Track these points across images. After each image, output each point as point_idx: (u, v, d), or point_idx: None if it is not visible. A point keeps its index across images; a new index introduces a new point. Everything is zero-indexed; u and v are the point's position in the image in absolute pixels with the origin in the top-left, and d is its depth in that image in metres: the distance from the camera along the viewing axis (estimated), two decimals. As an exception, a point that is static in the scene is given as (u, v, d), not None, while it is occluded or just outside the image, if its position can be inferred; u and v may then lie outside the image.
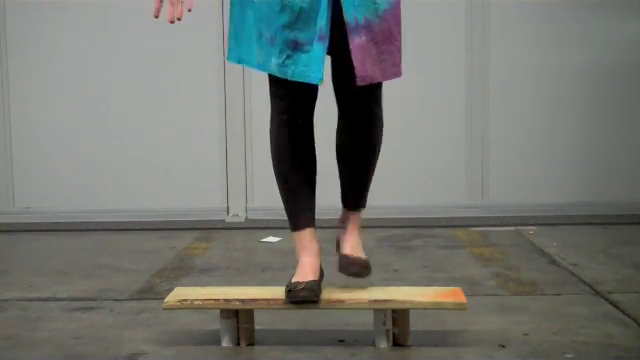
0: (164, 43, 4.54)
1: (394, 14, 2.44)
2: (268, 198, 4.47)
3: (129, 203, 4.64)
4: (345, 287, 2.64)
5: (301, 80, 2.38)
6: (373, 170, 2.64)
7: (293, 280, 2.45)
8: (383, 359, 2.36)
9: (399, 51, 2.48)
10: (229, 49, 2.54)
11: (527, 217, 4.53)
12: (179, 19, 2.31)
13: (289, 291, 2.42)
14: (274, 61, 2.41)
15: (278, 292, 2.48)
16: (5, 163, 4.69)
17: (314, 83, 2.38)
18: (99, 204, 4.65)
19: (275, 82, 2.48)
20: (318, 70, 2.36)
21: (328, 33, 2.36)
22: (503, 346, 2.42)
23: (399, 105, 4.51)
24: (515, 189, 4.60)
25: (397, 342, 2.42)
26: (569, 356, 2.33)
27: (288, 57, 2.39)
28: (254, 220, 4.61)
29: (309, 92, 2.46)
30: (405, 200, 4.57)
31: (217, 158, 4.64)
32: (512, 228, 4.41)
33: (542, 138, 4.60)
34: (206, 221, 4.60)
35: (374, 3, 2.38)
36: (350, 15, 2.35)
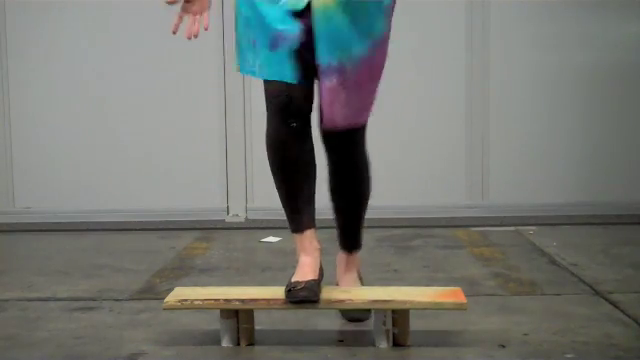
0: (164, 43, 4.52)
1: (372, 61, 2.46)
2: (268, 198, 4.44)
3: (129, 203, 4.64)
4: (345, 287, 2.65)
5: (275, 79, 2.42)
6: (361, 216, 2.72)
7: (293, 280, 2.46)
8: (383, 359, 2.36)
9: (370, 96, 2.51)
10: (236, 59, 2.55)
11: (527, 217, 4.53)
12: (195, 36, 2.44)
13: (289, 291, 2.43)
14: (257, 63, 2.44)
15: (278, 292, 2.48)
16: (5, 163, 4.69)
17: (285, 81, 2.40)
18: (99, 204, 4.65)
19: (267, 83, 2.48)
20: (287, 68, 2.40)
21: (296, 39, 2.39)
22: (503, 346, 2.42)
23: (399, 105, 4.51)
24: (515, 189, 4.60)
25: (397, 342, 2.42)
26: (569, 356, 2.33)
27: (265, 57, 2.42)
28: (254, 220, 4.61)
29: (301, 92, 2.44)
30: (405, 200, 4.57)
31: (217, 158, 4.64)
32: (512, 228, 4.41)
33: (542, 138, 4.60)
34: (206, 221, 4.60)
35: (349, 49, 2.40)
36: (324, 58, 2.39)
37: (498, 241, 4.07)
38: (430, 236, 4.23)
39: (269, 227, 4.39)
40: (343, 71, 2.41)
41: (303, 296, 2.40)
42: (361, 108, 2.50)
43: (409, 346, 2.41)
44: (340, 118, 2.45)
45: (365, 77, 2.46)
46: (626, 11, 4.58)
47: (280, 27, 2.40)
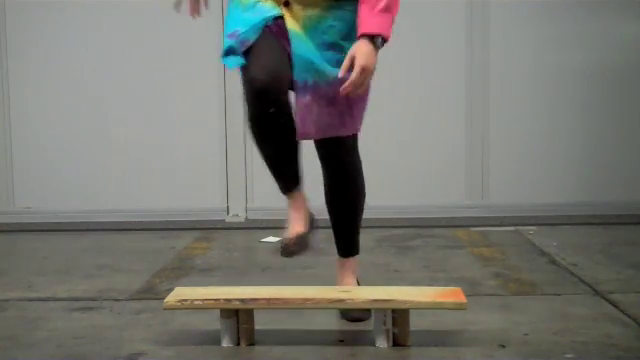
0: (164, 43, 4.54)
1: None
2: (268, 198, 4.44)
3: (129, 203, 4.64)
4: (345, 287, 2.65)
5: (231, 66, 2.53)
6: (356, 224, 2.79)
7: (284, 237, 2.56)
8: (383, 359, 2.36)
9: (345, 115, 2.56)
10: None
11: (527, 217, 4.53)
12: (199, 14, 2.61)
13: (282, 248, 2.55)
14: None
15: (278, 292, 2.48)
16: (5, 163, 4.69)
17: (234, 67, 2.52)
18: (99, 204, 4.65)
19: (241, 70, 2.53)
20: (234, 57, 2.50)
21: (241, 36, 2.48)
22: (503, 346, 2.42)
23: (399, 105, 4.51)
24: (515, 189, 4.60)
25: (397, 342, 2.42)
26: (569, 356, 2.33)
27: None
28: (254, 220, 4.61)
29: (272, 78, 2.45)
30: (405, 200, 4.57)
31: (217, 158, 4.64)
32: (512, 228, 4.41)
33: (542, 138, 4.60)
34: (206, 221, 4.60)
35: (323, 70, 2.49)
36: (300, 77, 2.50)
37: (498, 241, 4.07)
38: (430, 236, 4.23)
39: (269, 227, 4.39)
40: (317, 90, 2.51)
41: (294, 251, 2.55)
42: (340, 123, 2.57)
43: (409, 346, 2.41)
44: (314, 131, 2.54)
45: (338, 94, 2.50)
46: (626, 11, 4.58)
47: (234, 28, 2.51)
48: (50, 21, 4.62)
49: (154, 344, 2.50)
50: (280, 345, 2.46)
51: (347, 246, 2.80)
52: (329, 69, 2.49)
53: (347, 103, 2.55)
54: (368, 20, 2.44)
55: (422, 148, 4.60)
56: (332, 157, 2.68)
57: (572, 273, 3.33)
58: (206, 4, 2.65)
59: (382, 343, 2.42)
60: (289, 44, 2.50)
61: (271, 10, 2.51)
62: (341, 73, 2.42)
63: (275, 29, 2.50)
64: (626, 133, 4.60)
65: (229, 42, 2.50)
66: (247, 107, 2.52)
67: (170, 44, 4.52)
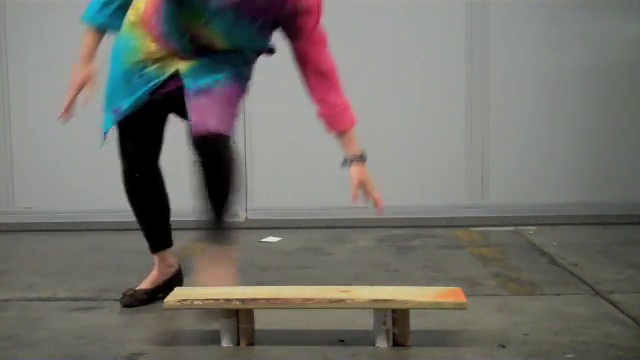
0: (164, 43, 4.53)
1: (234, 85, 2.82)
2: (268, 198, 4.46)
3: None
4: (345, 287, 2.65)
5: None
6: (223, 210, 2.91)
7: (136, 286, 2.97)
8: (383, 359, 2.36)
9: (233, 114, 2.86)
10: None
11: (527, 217, 4.53)
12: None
13: (124, 295, 2.94)
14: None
15: (278, 292, 2.48)
16: (5, 163, 4.69)
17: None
18: (99, 204, 4.65)
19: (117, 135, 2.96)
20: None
21: (124, 112, 2.95)
22: (503, 346, 2.42)
23: (399, 105, 4.51)
24: (515, 189, 4.60)
25: (397, 342, 2.42)
26: (569, 356, 2.33)
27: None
28: (254, 220, 4.60)
29: (141, 149, 3.01)
30: (405, 200, 4.56)
31: (217, 158, 4.63)
32: (512, 228, 4.41)
33: (542, 138, 4.60)
34: (206, 221, 4.59)
35: (215, 78, 2.75)
36: (191, 84, 2.75)
37: (498, 241, 4.07)
38: (430, 236, 4.23)
39: (269, 227, 4.38)
40: (212, 92, 2.77)
41: (125, 302, 2.92)
42: (226, 121, 2.82)
43: (409, 346, 2.41)
44: (211, 124, 2.76)
45: (229, 96, 2.79)
46: (626, 11, 4.58)
47: (117, 103, 2.94)
48: (50, 21, 4.62)
49: (154, 344, 2.50)
50: (280, 345, 2.46)
51: (210, 232, 2.86)
52: (219, 75, 2.73)
53: (232, 105, 2.82)
54: (345, 117, 2.71)
55: (422, 148, 4.59)
56: (213, 153, 2.82)
57: (572, 273, 3.33)
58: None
59: (382, 343, 2.42)
60: (174, 91, 2.76)
61: (157, 77, 2.78)
62: (354, 201, 2.62)
63: (157, 93, 2.79)
64: (626, 133, 4.60)
65: (111, 120, 2.97)
66: (121, 165, 2.99)
67: (170, 44, 4.51)
